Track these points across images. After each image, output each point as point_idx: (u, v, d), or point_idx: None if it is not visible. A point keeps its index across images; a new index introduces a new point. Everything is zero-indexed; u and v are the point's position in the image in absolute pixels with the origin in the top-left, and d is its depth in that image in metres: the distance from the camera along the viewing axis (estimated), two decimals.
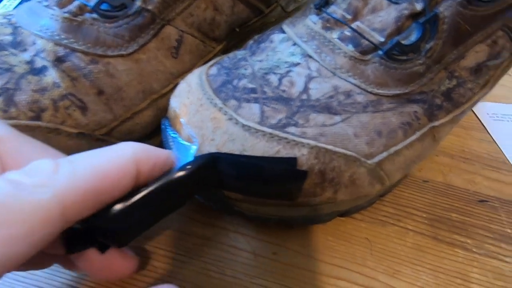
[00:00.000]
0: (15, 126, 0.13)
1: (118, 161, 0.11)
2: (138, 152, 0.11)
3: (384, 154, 0.14)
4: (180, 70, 0.18)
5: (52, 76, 0.14)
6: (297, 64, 0.15)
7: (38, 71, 0.14)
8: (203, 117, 0.13)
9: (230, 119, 0.13)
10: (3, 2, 0.28)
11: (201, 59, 0.19)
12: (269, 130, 0.13)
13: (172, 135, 0.14)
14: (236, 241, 0.18)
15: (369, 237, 0.18)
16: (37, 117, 0.13)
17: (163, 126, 0.15)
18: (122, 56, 0.16)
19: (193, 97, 0.14)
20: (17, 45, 0.15)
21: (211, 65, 0.16)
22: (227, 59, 0.16)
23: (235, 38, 0.21)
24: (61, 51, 0.15)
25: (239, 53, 0.17)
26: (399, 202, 0.20)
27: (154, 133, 0.18)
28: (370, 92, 0.15)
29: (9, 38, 0.15)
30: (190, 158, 0.13)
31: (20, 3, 0.29)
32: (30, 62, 0.14)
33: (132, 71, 0.16)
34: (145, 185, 0.11)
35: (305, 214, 0.15)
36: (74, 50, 0.15)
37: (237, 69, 0.15)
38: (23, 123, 0.13)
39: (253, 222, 0.19)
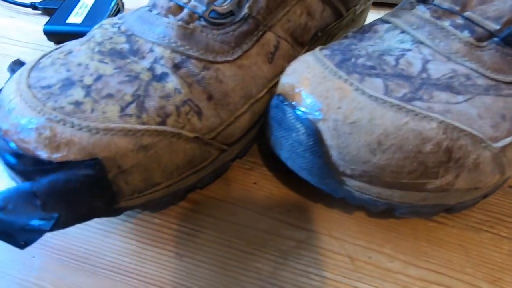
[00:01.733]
0: (146, 131, 0.13)
1: None
2: None
3: (508, 139, 0.14)
4: (274, 74, 0.18)
5: (173, 82, 0.15)
6: (409, 50, 0.16)
7: (160, 78, 0.14)
8: (328, 88, 0.14)
9: (357, 89, 0.14)
10: (75, 10, 0.29)
11: (289, 63, 0.19)
12: (397, 102, 0.13)
13: (289, 107, 0.15)
14: (330, 245, 0.18)
15: (463, 244, 0.18)
16: (163, 123, 0.14)
17: (276, 102, 0.16)
18: (228, 62, 0.16)
19: (314, 71, 0.15)
20: (135, 53, 0.15)
21: (322, 49, 0.16)
22: (334, 45, 0.17)
23: (314, 43, 0.21)
24: (178, 58, 0.15)
25: (345, 41, 0.17)
26: (489, 208, 0.20)
27: (244, 135, 0.18)
28: (488, 77, 0.15)
29: (126, 46, 0.15)
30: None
31: (91, 9, 0.30)
32: (150, 69, 0.15)
33: (237, 76, 0.16)
34: None
35: (412, 202, 0.15)
36: (189, 57, 0.15)
37: (351, 51, 0.16)
38: (152, 128, 0.13)
39: (345, 224, 0.19)
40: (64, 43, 0.16)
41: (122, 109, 0.13)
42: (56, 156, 0.12)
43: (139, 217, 0.19)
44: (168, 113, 0.14)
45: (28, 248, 0.16)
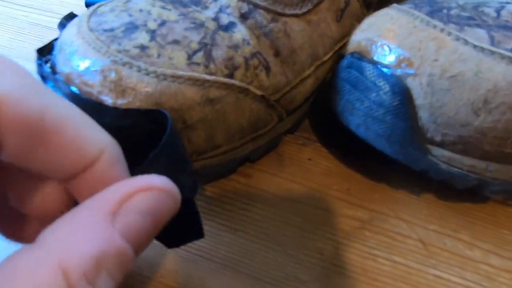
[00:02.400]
0: (214, 83, 0.12)
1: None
2: None
3: None
4: (341, 35, 0.16)
5: (241, 32, 0.13)
6: (508, 2, 0.13)
7: (226, 28, 0.13)
8: (421, 38, 0.12)
9: (457, 39, 0.12)
10: None
11: (356, 24, 0.17)
12: (508, 53, 0.11)
13: (369, 64, 0.13)
14: (399, 228, 0.16)
15: None
16: (231, 75, 0.12)
17: (349, 60, 0.14)
18: (297, 16, 0.14)
19: (401, 21, 0.13)
20: (197, 2, 0.14)
21: (402, 3, 0.14)
22: (414, 1, 0.15)
23: (380, 6, 0.19)
24: (245, 7, 0.14)
25: None
26: None
27: (302, 104, 0.17)
28: None
29: None
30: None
31: None
32: (215, 19, 0.13)
33: (305, 32, 0.15)
34: None
35: (508, 179, 0.13)
36: (256, 7, 0.14)
37: (437, 3, 0.14)
38: (221, 80, 0.12)
39: (413, 206, 0.17)
40: None
41: (189, 56, 0.12)
42: (121, 102, 0.11)
43: None
44: (236, 65, 0.13)
45: None
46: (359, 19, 0.18)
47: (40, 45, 0.27)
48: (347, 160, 0.19)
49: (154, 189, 0.09)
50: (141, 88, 0.11)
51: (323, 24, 0.16)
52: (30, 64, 0.24)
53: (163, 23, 0.12)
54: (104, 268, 0.08)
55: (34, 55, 0.26)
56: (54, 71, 0.12)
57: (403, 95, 0.12)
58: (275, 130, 0.17)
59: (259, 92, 0.13)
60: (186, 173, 0.11)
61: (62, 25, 0.15)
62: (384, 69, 0.13)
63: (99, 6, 0.14)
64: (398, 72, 0.12)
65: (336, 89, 0.16)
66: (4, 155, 0.08)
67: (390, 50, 0.13)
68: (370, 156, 0.18)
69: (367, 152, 0.19)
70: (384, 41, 0.13)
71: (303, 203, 0.17)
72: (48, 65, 0.12)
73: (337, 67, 0.16)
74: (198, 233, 0.11)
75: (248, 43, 0.13)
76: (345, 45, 0.17)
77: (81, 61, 0.11)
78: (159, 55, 0.12)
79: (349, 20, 0.17)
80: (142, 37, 0.12)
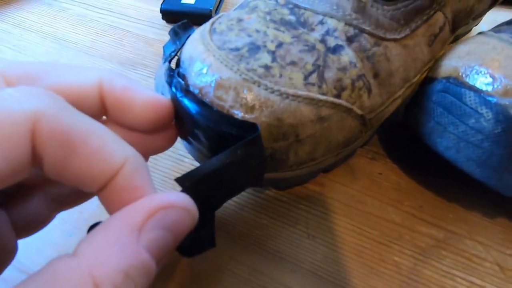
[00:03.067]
0: (326, 103, 0.13)
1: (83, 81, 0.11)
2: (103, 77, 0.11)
3: None
4: (430, 58, 0.17)
5: (348, 55, 0.14)
6: None
7: (334, 50, 0.14)
8: None
9: None
10: None
11: (442, 48, 0.18)
12: None
13: (469, 91, 0.13)
14: (475, 249, 0.17)
15: None
16: (339, 95, 0.13)
17: (445, 85, 0.15)
18: (395, 40, 0.15)
19: (506, 52, 0.13)
20: (303, 24, 0.15)
21: (491, 31, 0.15)
22: (504, 29, 0.15)
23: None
24: (351, 31, 0.14)
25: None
26: None
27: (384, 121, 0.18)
28: None
29: (292, 18, 0.15)
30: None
31: None
32: (322, 42, 0.14)
33: (401, 56, 0.16)
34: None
35: None
36: (362, 31, 0.15)
37: None
38: (330, 100, 0.13)
39: (488, 229, 0.17)
40: (222, 13, 0.17)
41: (305, 77, 0.13)
42: (249, 117, 0.12)
43: (267, 193, 0.19)
44: (344, 87, 0.14)
45: None
46: (446, 43, 0.18)
47: (119, 46, 0.29)
48: (417, 176, 0.20)
49: (175, 207, 0.10)
50: (267, 105, 0.12)
51: (417, 48, 0.16)
52: (111, 64, 0.28)
53: (280, 45, 0.14)
54: (132, 281, 0.09)
55: (114, 56, 0.28)
56: (186, 83, 0.13)
57: (506, 124, 0.13)
58: (356, 145, 0.17)
59: (360, 112, 0.14)
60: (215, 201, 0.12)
61: (175, 33, 0.16)
62: (488, 98, 0.13)
63: (213, 24, 0.15)
64: (504, 101, 0.13)
65: (425, 111, 0.16)
66: (45, 165, 0.09)
67: (494, 79, 0.13)
68: (441, 175, 0.19)
69: (438, 170, 0.20)
70: (488, 70, 0.14)
71: (378, 216, 0.18)
72: (181, 78, 0.13)
73: (427, 90, 0.16)
74: (210, 243, 0.12)
75: (355, 66, 0.14)
76: (430, 67, 0.17)
77: (215, 77, 0.12)
78: (280, 75, 0.13)
79: (439, 45, 0.17)
80: (265, 58, 0.13)
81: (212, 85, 0.12)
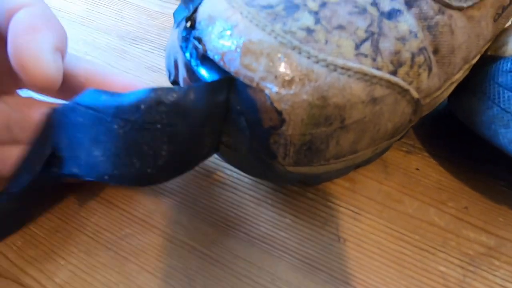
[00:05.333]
0: (380, 80, 0.10)
1: None
2: None
3: None
4: (492, 36, 0.14)
5: (407, 23, 0.11)
6: None
7: (389, 15, 0.11)
8: None
9: None
10: None
11: (504, 26, 0.15)
12: None
13: None
14: None
15: None
16: (395, 72, 0.11)
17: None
18: (460, 9, 0.12)
19: None
20: None
21: None
22: None
23: None
24: None
25: None
26: None
27: None
28: None
29: None
30: None
31: None
32: (374, 4, 0.11)
33: (466, 30, 0.13)
34: None
35: None
36: None
37: None
38: (387, 78, 0.10)
39: None
40: None
41: (357, 46, 0.10)
42: (285, 93, 0.09)
43: (289, 187, 0.16)
44: (402, 61, 0.11)
45: (175, 205, 0.15)
46: (509, 19, 0.16)
47: (118, 18, 0.27)
48: (461, 175, 0.17)
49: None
50: (310, 78, 0.09)
51: (483, 22, 0.13)
52: (109, 37, 0.24)
53: (324, 4, 0.11)
54: None
55: (113, 29, 0.25)
56: (203, 48, 0.10)
57: None
58: (400, 137, 0.15)
59: (416, 95, 0.12)
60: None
61: None
62: None
63: None
64: None
65: (485, 95, 0.13)
66: None
67: None
68: (488, 174, 0.17)
69: (485, 166, 0.17)
70: None
71: (418, 218, 0.16)
72: (197, 42, 0.10)
73: (490, 71, 0.13)
74: None
75: (416, 36, 0.11)
76: (490, 46, 0.14)
77: (242, 40, 0.09)
78: (326, 41, 0.10)
79: (504, 20, 0.14)
80: (306, 18, 0.10)
81: (238, 50, 0.09)
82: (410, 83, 0.11)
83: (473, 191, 0.17)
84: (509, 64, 0.12)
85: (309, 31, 0.10)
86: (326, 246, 0.14)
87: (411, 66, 0.11)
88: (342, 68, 0.10)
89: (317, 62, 0.09)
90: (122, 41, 0.24)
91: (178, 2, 0.27)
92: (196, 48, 0.10)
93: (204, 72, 0.10)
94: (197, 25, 0.11)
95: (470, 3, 0.13)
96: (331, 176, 0.14)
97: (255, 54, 0.09)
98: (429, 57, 0.11)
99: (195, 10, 0.11)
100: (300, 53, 0.09)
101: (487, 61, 0.14)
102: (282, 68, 0.09)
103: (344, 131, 0.11)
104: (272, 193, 0.16)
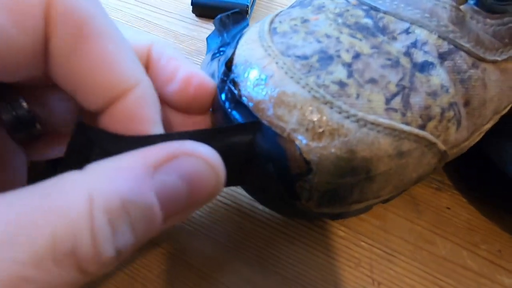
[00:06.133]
0: (409, 135, 0.10)
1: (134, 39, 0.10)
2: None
3: None
4: None
5: (439, 77, 0.11)
6: None
7: (422, 68, 0.11)
8: None
9: None
10: None
11: None
12: None
13: None
14: None
15: None
16: (423, 126, 0.11)
17: None
18: (494, 62, 0.13)
19: None
20: (382, 31, 0.12)
21: None
22: None
23: None
24: (445, 47, 0.12)
25: None
26: None
27: None
28: None
29: (369, 21, 0.13)
30: None
31: None
32: (407, 55, 0.11)
33: (498, 83, 0.13)
34: None
35: None
36: (458, 48, 0.12)
37: None
38: (415, 132, 0.10)
39: None
40: (280, 11, 0.14)
41: (387, 100, 0.10)
42: (315, 146, 0.10)
43: (321, 225, 0.16)
44: (431, 116, 0.11)
45: (208, 241, 0.15)
46: None
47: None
48: (491, 214, 0.17)
49: (200, 157, 0.08)
50: (340, 133, 0.10)
51: None
52: None
53: (357, 56, 0.11)
54: (128, 216, 0.08)
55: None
56: (239, 93, 0.11)
57: None
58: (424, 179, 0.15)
59: (443, 148, 0.12)
60: None
61: (222, 23, 0.14)
62: None
63: (272, 22, 0.13)
64: None
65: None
66: (52, 56, 0.08)
67: None
68: None
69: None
70: None
71: (451, 261, 0.15)
72: (233, 86, 0.11)
73: None
74: None
75: (447, 91, 0.11)
76: None
77: (277, 91, 0.10)
78: (358, 96, 0.10)
79: None
80: (339, 71, 0.10)
81: (272, 100, 0.10)
82: (437, 137, 0.11)
83: (505, 232, 0.17)
84: None
85: (342, 84, 0.10)
86: None
87: (440, 121, 0.11)
88: (372, 123, 0.10)
89: (347, 117, 0.10)
90: None
91: (205, 25, 0.28)
92: (231, 91, 0.11)
93: (237, 116, 0.10)
94: (233, 67, 0.11)
95: (504, 57, 0.12)
96: (355, 213, 0.14)
97: (288, 107, 0.10)
98: (459, 111, 0.11)
99: (233, 53, 0.12)
100: (331, 107, 0.10)
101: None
102: (313, 122, 0.09)
103: (369, 181, 0.11)
104: (304, 230, 0.16)
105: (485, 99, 0.12)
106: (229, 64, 0.12)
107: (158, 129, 0.09)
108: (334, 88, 0.10)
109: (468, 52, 0.12)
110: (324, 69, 0.10)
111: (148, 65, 0.12)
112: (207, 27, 0.27)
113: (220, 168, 0.09)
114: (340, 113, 0.10)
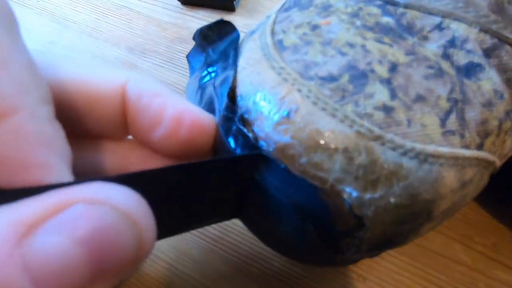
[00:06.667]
0: (471, 160, 0.08)
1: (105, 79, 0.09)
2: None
3: None
4: None
5: (490, 81, 0.09)
6: None
7: (468, 72, 0.09)
8: None
9: None
10: None
11: None
12: None
13: None
14: None
15: None
16: (481, 145, 0.09)
17: None
18: None
19: None
20: (408, 30, 0.10)
21: None
22: None
23: None
24: (488, 41, 0.10)
25: None
26: None
27: None
28: None
29: (389, 20, 0.11)
30: None
31: None
32: (445, 57, 0.09)
33: None
34: None
35: None
36: (503, 41, 0.10)
37: None
38: (476, 155, 0.08)
39: None
40: (276, 16, 0.12)
41: (442, 122, 0.08)
42: (370, 197, 0.08)
43: None
44: (488, 132, 0.09)
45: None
46: None
47: (127, 29, 0.27)
48: (488, 207, 0.16)
49: (105, 204, 0.06)
50: (399, 176, 0.07)
51: None
52: (118, 50, 0.23)
53: (394, 68, 0.09)
54: None
55: (122, 40, 0.26)
56: (253, 135, 0.08)
57: None
58: None
59: (499, 163, 0.10)
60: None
61: (204, 36, 0.12)
62: None
63: (273, 33, 0.10)
64: None
65: None
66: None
67: None
68: None
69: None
70: None
71: (443, 255, 0.14)
72: (243, 126, 0.08)
73: None
74: None
75: (502, 97, 0.09)
76: None
77: (308, 131, 0.07)
78: (409, 122, 0.08)
79: None
80: (380, 92, 0.08)
81: (304, 143, 0.07)
82: (495, 153, 0.09)
83: (502, 225, 0.16)
84: None
85: (387, 110, 0.08)
86: (346, 285, 0.13)
87: (498, 135, 0.09)
88: (433, 156, 0.08)
89: (404, 154, 0.07)
90: (131, 54, 0.23)
91: (190, 13, 0.26)
92: (242, 134, 0.08)
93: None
94: (239, 100, 0.09)
95: None
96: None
97: (328, 150, 0.07)
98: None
99: (234, 79, 0.09)
100: (383, 144, 0.07)
101: None
102: (362, 167, 0.07)
103: (428, 222, 0.09)
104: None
105: None
106: (231, 94, 0.09)
107: (62, 177, 0.06)
108: (380, 116, 0.08)
109: None
110: (361, 91, 0.08)
111: (125, 109, 0.09)
112: (193, 15, 0.26)
113: (142, 217, 0.06)
114: (394, 149, 0.07)
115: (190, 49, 0.13)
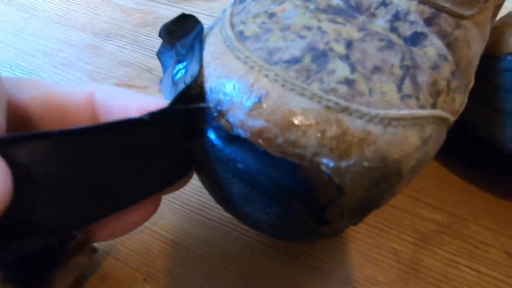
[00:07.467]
0: (426, 119, 0.09)
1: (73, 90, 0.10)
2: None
3: None
4: (488, 36, 0.14)
5: (434, 46, 0.10)
6: None
7: (414, 41, 0.10)
8: None
9: None
10: None
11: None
12: None
13: None
14: (481, 235, 0.15)
15: None
16: (435, 104, 0.10)
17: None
18: (471, 17, 0.12)
19: None
20: (357, 10, 0.11)
21: None
22: None
23: None
24: (427, 11, 0.10)
25: None
26: None
27: None
28: None
29: (339, 2, 0.11)
30: None
31: None
32: (393, 30, 0.10)
33: (477, 38, 0.12)
34: None
35: None
36: (440, 10, 0.11)
37: None
38: (431, 114, 0.09)
39: (497, 214, 0.16)
40: (232, 9, 0.12)
41: (399, 88, 0.09)
42: (345, 165, 0.08)
43: None
44: (439, 91, 0.10)
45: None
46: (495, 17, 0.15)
47: (93, 15, 0.27)
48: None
49: None
50: (369, 141, 0.08)
51: (487, 25, 0.13)
52: (83, 35, 0.23)
53: (349, 44, 0.09)
54: None
55: (88, 26, 0.25)
56: (228, 125, 0.08)
57: None
58: None
59: (452, 119, 0.11)
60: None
61: (170, 32, 0.12)
62: None
63: (232, 25, 0.11)
64: None
65: (478, 97, 0.13)
66: None
67: None
68: (443, 155, 0.17)
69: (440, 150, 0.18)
70: None
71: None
72: (216, 118, 0.08)
73: (490, 70, 0.13)
74: None
75: (445, 59, 0.10)
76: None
77: (280, 112, 0.08)
78: (370, 91, 0.08)
79: (494, 19, 0.14)
80: (341, 68, 0.09)
81: (279, 124, 0.08)
82: (447, 110, 0.10)
83: (429, 171, 0.17)
84: (507, 63, 0.12)
85: (349, 83, 0.08)
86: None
87: (448, 93, 0.10)
88: (396, 119, 0.08)
89: (370, 120, 0.08)
90: (96, 38, 0.24)
91: None
92: (218, 127, 0.08)
93: (235, 155, 0.08)
94: (208, 94, 0.09)
95: (477, 9, 0.12)
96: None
97: (302, 127, 0.08)
98: (457, 77, 0.11)
99: (198, 75, 0.09)
100: (350, 114, 0.08)
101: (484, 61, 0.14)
102: (336, 138, 0.08)
103: (399, 181, 0.10)
104: None
105: (470, 58, 0.12)
106: (197, 89, 0.09)
107: None
108: (344, 89, 0.08)
109: (450, 13, 0.11)
110: (324, 69, 0.08)
111: (95, 114, 0.10)
112: (158, 0, 0.26)
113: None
114: (361, 118, 0.08)
115: (154, 31, 0.13)
